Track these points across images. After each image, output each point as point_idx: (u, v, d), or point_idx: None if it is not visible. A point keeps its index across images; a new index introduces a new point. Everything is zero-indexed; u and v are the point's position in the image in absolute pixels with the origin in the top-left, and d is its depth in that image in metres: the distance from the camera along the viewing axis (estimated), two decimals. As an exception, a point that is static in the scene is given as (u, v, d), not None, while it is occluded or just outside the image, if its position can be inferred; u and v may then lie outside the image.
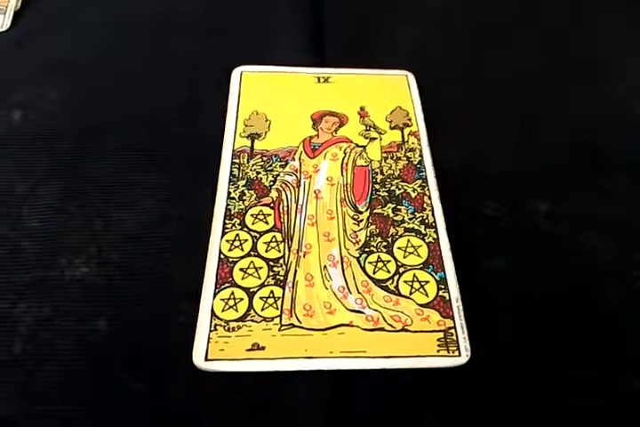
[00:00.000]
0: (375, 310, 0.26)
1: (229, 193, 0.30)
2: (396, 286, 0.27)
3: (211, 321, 0.25)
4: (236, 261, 0.27)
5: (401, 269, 0.27)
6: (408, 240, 0.28)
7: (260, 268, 0.27)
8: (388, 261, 0.28)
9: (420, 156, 0.32)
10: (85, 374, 0.24)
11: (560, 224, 0.31)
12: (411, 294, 0.27)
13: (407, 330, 0.25)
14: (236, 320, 0.25)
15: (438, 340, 0.25)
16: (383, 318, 0.26)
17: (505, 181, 0.32)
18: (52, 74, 0.36)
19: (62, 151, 0.32)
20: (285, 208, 0.30)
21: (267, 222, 0.29)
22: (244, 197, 0.30)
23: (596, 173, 0.33)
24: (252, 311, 0.26)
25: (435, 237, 0.29)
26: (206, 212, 0.29)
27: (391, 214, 0.30)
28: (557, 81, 0.38)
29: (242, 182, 0.30)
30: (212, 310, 0.26)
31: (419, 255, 0.28)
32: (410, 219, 0.29)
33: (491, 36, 0.41)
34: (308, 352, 0.25)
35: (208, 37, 0.39)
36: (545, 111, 0.36)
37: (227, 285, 0.26)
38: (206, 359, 0.24)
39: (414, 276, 0.27)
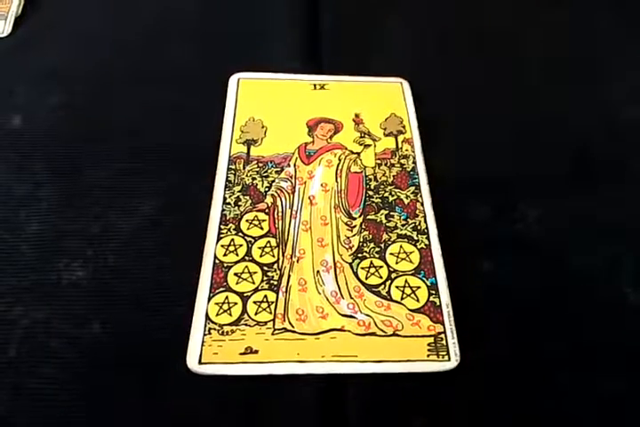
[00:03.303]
0: (367, 315, 0.26)
1: (225, 198, 0.30)
2: (388, 292, 0.27)
3: (205, 325, 0.26)
4: (231, 266, 0.28)
5: (393, 275, 0.28)
6: (400, 246, 0.29)
7: (255, 273, 0.27)
8: (381, 267, 0.28)
9: (414, 163, 0.33)
10: (80, 376, 0.25)
11: (552, 229, 0.31)
12: (402, 299, 0.27)
13: (398, 335, 0.26)
14: (229, 324, 0.26)
15: (428, 345, 0.26)
16: (375, 322, 0.26)
17: (497, 188, 0.33)
18: (51, 79, 0.37)
19: (60, 156, 0.33)
20: (280, 214, 0.30)
21: (261, 228, 0.29)
22: (240, 203, 0.30)
23: (589, 178, 0.34)
24: (245, 316, 0.26)
25: (427, 243, 0.29)
26: (202, 217, 0.29)
27: (384, 221, 0.30)
28: (552, 87, 0.39)
29: (237, 188, 0.31)
30: (207, 314, 0.26)
31: (410, 261, 0.28)
32: (402, 225, 0.30)
33: (486, 43, 0.41)
34: (301, 356, 0.25)
35: (205, 44, 0.39)
36: (539, 117, 0.37)
37: (221, 289, 0.27)
38: (200, 363, 0.24)
39: (406, 281, 0.28)
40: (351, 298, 0.27)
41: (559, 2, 0.45)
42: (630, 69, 0.40)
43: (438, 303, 0.27)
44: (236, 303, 0.26)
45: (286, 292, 0.27)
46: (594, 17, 0.44)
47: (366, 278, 0.28)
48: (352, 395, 0.25)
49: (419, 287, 0.27)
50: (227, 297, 0.27)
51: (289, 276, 0.28)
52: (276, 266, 0.28)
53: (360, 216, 0.30)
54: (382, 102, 0.36)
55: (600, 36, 0.43)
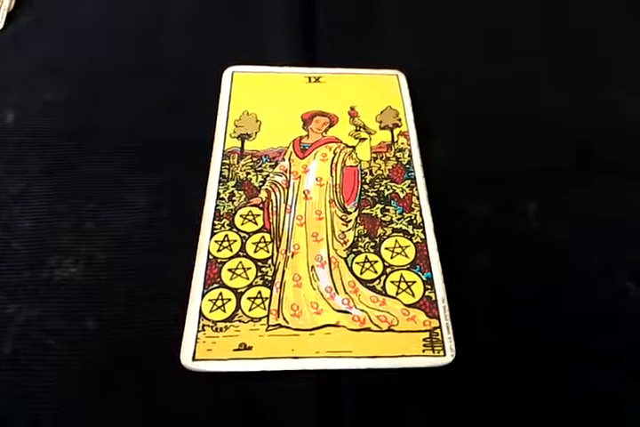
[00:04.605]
0: (362, 311, 0.26)
1: (219, 194, 0.30)
2: (383, 287, 0.27)
3: (199, 321, 0.25)
4: (225, 262, 0.27)
5: (388, 270, 0.28)
6: (396, 241, 0.29)
7: (249, 268, 0.27)
8: (376, 262, 0.28)
9: (410, 156, 0.32)
10: (74, 373, 0.25)
11: (548, 225, 0.31)
12: (397, 294, 0.27)
13: (393, 330, 0.26)
14: (223, 321, 0.26)
15: (424, 340, 0.25)
16: (369, 318, 0.26)
17: (494, 182, 0.32)
18: (45, 74, 0.36)
19: (54, 152, 0.32)
20: (274, 209, 0.30)
21: (256, 223, 0.29)
22: (234, 198, 0.30)
23: (587, 174, 0.33)
24: (239, 312, 0.26)
25: (422, 237, 0.29)
26: (196, 212, 0.29)
27: (379, 215, 0.30)
28: (551, 81, 0.38)
29: (231, 183, 0.31)
30: (200, 311, 0.26)
31: (406, 256, 0.28)
32: (398, 219, 0.29)
33: (483, 36, 0.41)
34: (295, 352, 0.25)
35: (199, 38, 0.39)
36: (537, 111, 0.36)
37: (215, 285, 0.27)
38: (194, 359, 0.24)
39: (401, 276, 0.27)
40: (346, 293, 0.27)
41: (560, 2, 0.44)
42: (630, 66, 0.40)
43: (434, 298, 0.27)
44: (229, 299, 0.26)
45: (280, 287, 0.27)
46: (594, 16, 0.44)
47: (361, 273, 0.27)
48: (347, 391, 0.25)
49: (414, 282, 0.27)
50: (220, 293, 0.26)
51: (283, 271, 0.27)
52: (270, 262, 0.28)
53: (355, 210, 0.30)
54: (378, 95, 0.35)
55: (598, 34, 0.42)
